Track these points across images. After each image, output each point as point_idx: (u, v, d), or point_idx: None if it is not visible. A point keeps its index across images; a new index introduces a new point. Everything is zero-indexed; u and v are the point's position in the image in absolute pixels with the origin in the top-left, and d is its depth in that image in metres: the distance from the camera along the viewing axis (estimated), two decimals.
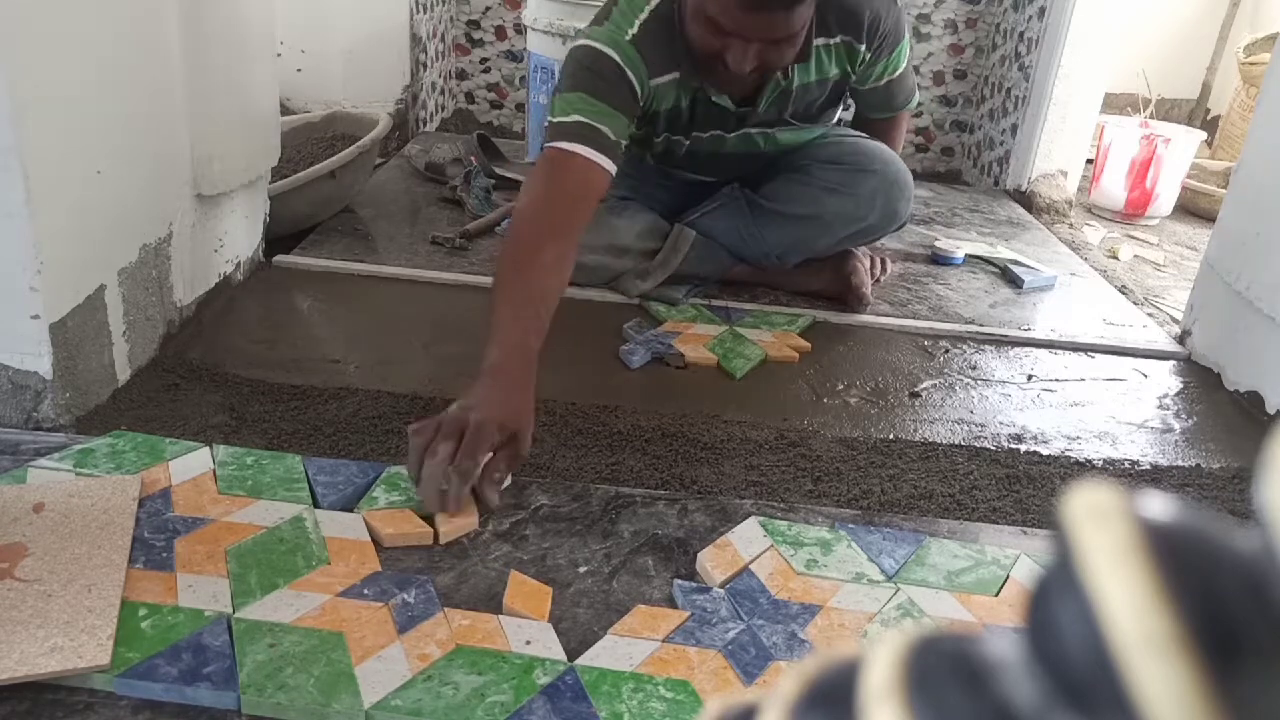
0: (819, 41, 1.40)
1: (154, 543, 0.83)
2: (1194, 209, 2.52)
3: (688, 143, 1.50)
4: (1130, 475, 1.18)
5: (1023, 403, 1.33)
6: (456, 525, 0.89)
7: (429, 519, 0.90)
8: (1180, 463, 1.21)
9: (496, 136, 2.36)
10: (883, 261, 1.72)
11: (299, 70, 2.37)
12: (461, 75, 2.82)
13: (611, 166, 1.25)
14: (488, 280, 1.55)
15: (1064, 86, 2.26)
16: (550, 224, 1.15)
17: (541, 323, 1.07)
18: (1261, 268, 1.38)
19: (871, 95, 1.57)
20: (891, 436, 1.20)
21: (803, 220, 1.52)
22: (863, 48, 1.44)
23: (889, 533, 0.95)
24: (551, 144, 1.24)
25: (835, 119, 1.66)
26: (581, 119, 1.24)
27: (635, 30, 1.32)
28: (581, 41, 1.33)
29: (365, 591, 0.80)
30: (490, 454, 0.92)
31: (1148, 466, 1.20)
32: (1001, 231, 2.12)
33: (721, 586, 0.85)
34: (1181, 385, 1.45)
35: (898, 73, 1.54)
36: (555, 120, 1.25)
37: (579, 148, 1.22)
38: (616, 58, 1.30)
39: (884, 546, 0.92)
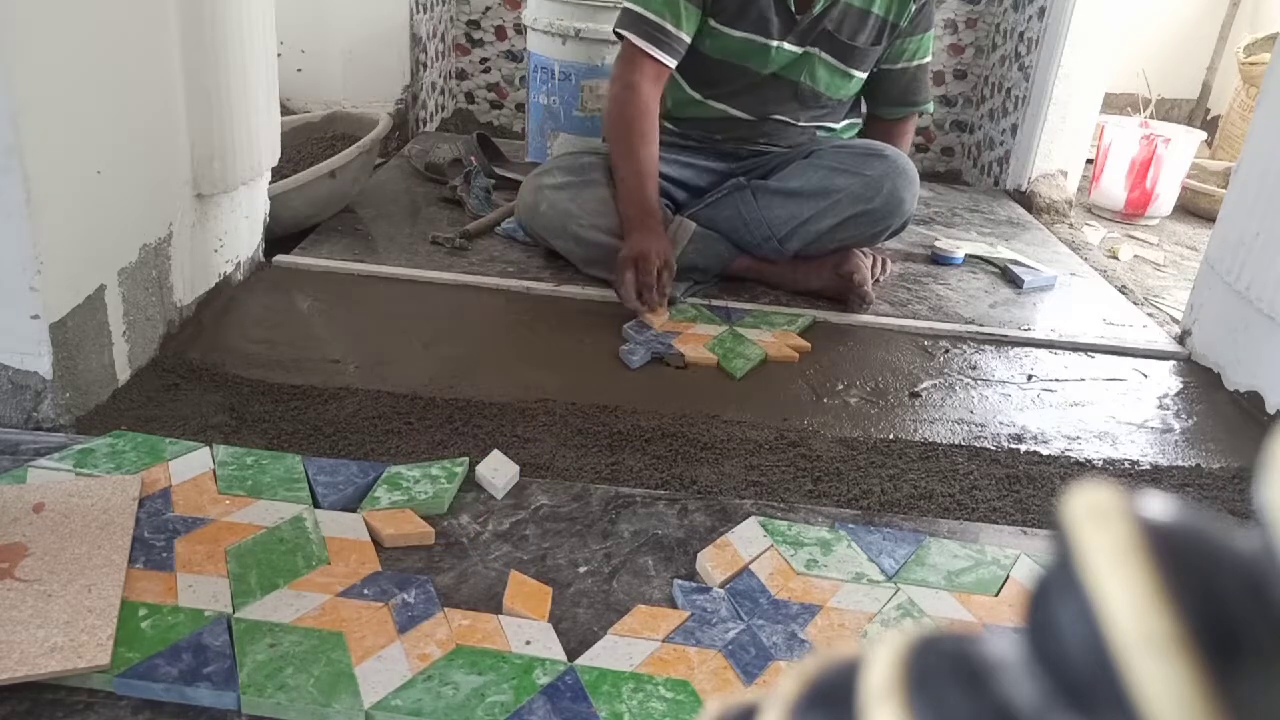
0: None
1: (154, 543, 0.83)
2: (1194, 209, 2.52)
3: (726, 48, 1.57)
4: (1130, 475, 1.18)
5: (1023, 403, 1.33)
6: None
7: (429, 519, 0.90)
8: (1180, 463, 1.21)
9: (496, 136, 2.36)
10: (883, 262, 1.73)
11: (299, 70, 2.37)
12: (461, 75, 2.82)
13: (672, 62, 1.54)
14: (488, 280, 1.55)
15: (1064, 86, 2.25)
16: (640, 108, 1.52)
17: (656, 181, 1.52)
18: (1261, 268, 1.38)
19: (895, 80, 1.64)
20: (891, 436, 1.20)
21: (808, 197, 1.54)
22: (911, 2, 1.55)
23: (889, 533, 0.95)
24: (625, 34, 1.53)
25: (848, 125, 1.70)
26: (648, 13, 1.51)
27: None
28: None
29: (365, 591, 0.80)
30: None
31: (1148, 466, 1.20)
32: (1001, 231, 2.12)
33: (721, 586, 0.85)
34: (1181, 385, 1.45)
35: (926, 59, 1.64)
36: (629, 6, 1.53)
37: (646, 45, 1.51)
38: None
39: (884, 546, 0.92)
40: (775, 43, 1.55)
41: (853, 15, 1.55)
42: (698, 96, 1.65)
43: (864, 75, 1.64)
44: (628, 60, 1.54)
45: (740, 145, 1.68)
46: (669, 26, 1.51)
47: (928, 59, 1.66)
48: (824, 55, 1.58)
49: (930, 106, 1.74)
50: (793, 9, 1.53)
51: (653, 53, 1.52)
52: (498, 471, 0.98)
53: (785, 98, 1.62)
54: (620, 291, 1.43)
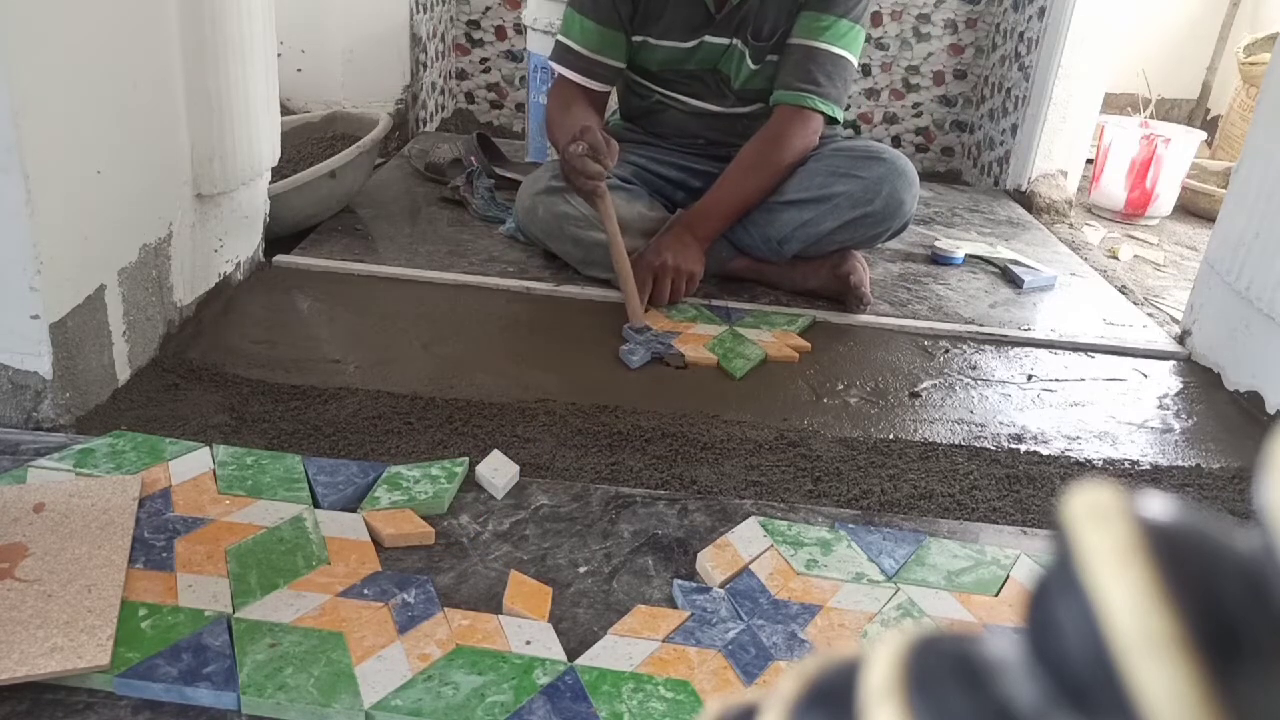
0: None
1: (154, 543, 0.83)
2: (1194, 209, 2.52)
3: (659, 46, 1.59)
4: (1130, 475, 1.18)
5: (1023, 403, 1.33)
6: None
7: (429, 519, 0.90)
8: (1180, 463, 1.21)
9: (496, 136, 2.36)
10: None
11: (299, 70, 2.37)
12: (461, 75, 2.82)
13: (605, 87, 1.61)
14: (488, 280, 1.55)
15: (1064, 86, 2.25)
16: (563, 114, 1.56)
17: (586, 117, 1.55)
18: (1261, 268, 1.38)
19: (787, 56, 1.54)
20: (891, 436, 1.20)
21: (807, 203, 1.53)
22: None
23: (889, 533, 0.95)
24: (559, 67, 1.60)
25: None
26: (582, 50, 1.56)
27: None
28: None
29: (365, 591, 0.80)
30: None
31: (1148, 466, 1.20)
32: (1001, 231, 2.12)
33: (721, 586, 0.85)
34: (1181, 385, 1.45)
35: (826, 44, 1.51)
36: (561, 40, 1.59)
37: (579, 78, 1.58)
38: None
39: (884, 546, 0.92)
40: (696, 41, 1.57)
41: (768, 6, 1.53)
42: (657, 97, 1.68)
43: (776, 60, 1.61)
44: (562, 88, 1.60)
45: (725, 146, 1.67)
46: (598, 57, 1.57)
47: (834, 49, 1.50)
48: (741, 46, 1.58)
49: (813, 101, 1.51)
50: (710, 9, 1.55)
51: (585, 83, 1.58)
52: (498, 471, 0.98)
53: (712, 90, 1.64)
54: (655, 294, 1.47)
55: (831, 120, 1.56)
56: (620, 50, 1.58)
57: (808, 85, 1.52)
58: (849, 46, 1.53)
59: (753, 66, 1.58)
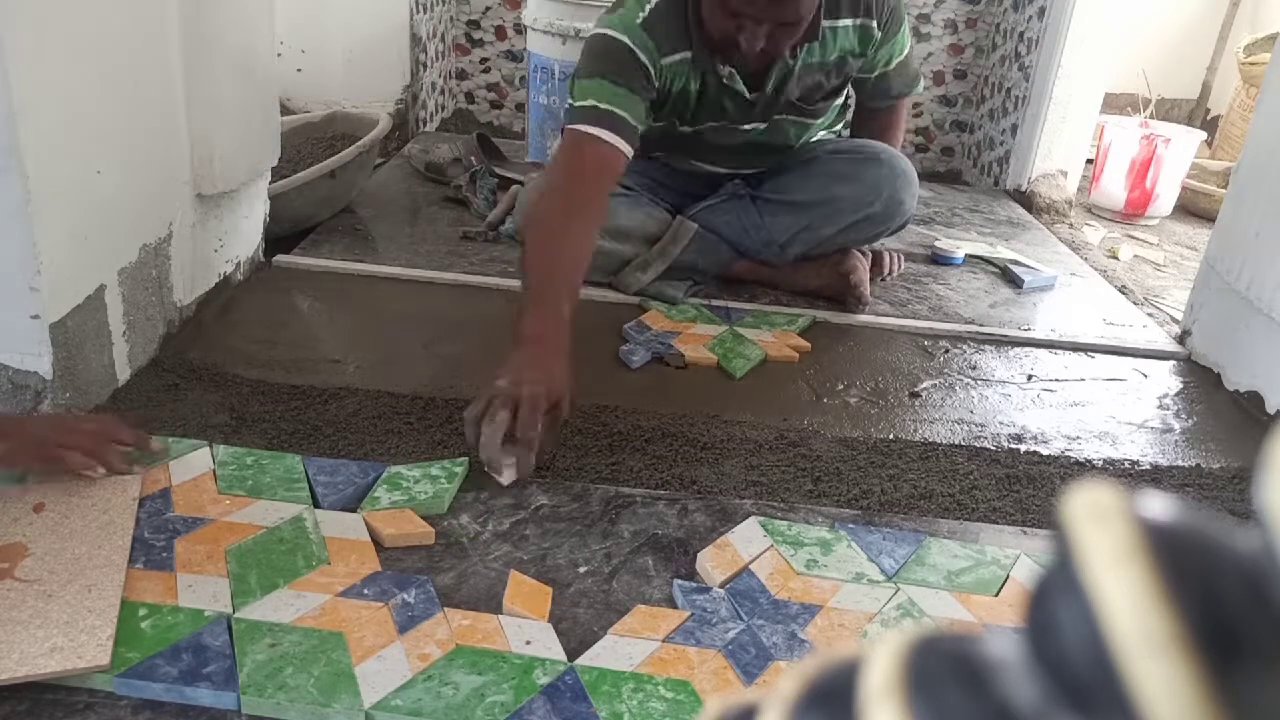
0: (827, 23, 1.43)
1: (154, 543, 0.83)
2: (1194, 209, 2.52)
3: (697, 132, 1.52)
4: (1130, 475, 1.18)
5: (1023, 403, 1.33)
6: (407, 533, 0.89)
7: (429, 519, 0.90)
8: (1180, 463, 1.21)
9: (496, 136, 2.36)
10: (895, 257, 1.73)
11: (299, 70, 2.37)
12: (461, 75, 2.82)
13: (628, 149, 1.31)
14: (488, 280, 1.55)
15: (1064, 86, 2.25)
16: (574, 200, 1.24)
17: (574, 290, 1.16)
18: (1261, 268, 1.38)
19: (880, 82, 1.61)
20: (891, 436, 1.20)
21: (809, 207, 1.53)
22: (874, 25, 1.47)
23: (889, 533, 0.95)
24: (572, 126, 1.31)
25: (837, 116, 1.67)
26: (598, 104, 1.31)
27: (646, 14, 1.36)
28: (596, 30, 1.38)
29: (365, 591, 0.80)
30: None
31: (1148, 466, 1.20)
32: (1001, 231, 2.12)
33: (721, 586, 0.85)
34: (1181, 385, 1.45)
35: (902, 56, 1.59)
36: (575, 104, 1.33)
37: (597, 130, 1.29)
38: (628, 41, 1.34)
39: (884, 546, 0.92)
40: (738, 126, 1.52)
41: (811, 72, 1.48)
42: (664, 161, 1.64)
43: (838, 102, 1.62)
44: (574, 147, 1.30)
45: (737, 164, 1.66)
46: (622, 113, 1.30)
47: (906, 54, 1.58)
48: (789, 118, 1.54)
49: (920, 86, 1.66)
50: (747, 95, 1.46)
51: (605, 136, 1.28)
52: (506, 461, 0.97)
53: (759, 151, 1.60)
54: (478, 435, 0.97)
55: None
56: (642, 115, 1.35)
57: (901, 89, 1.62)
58: (909, 45, 1.60)
59: (810, 122, 1.57)
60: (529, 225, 1.25)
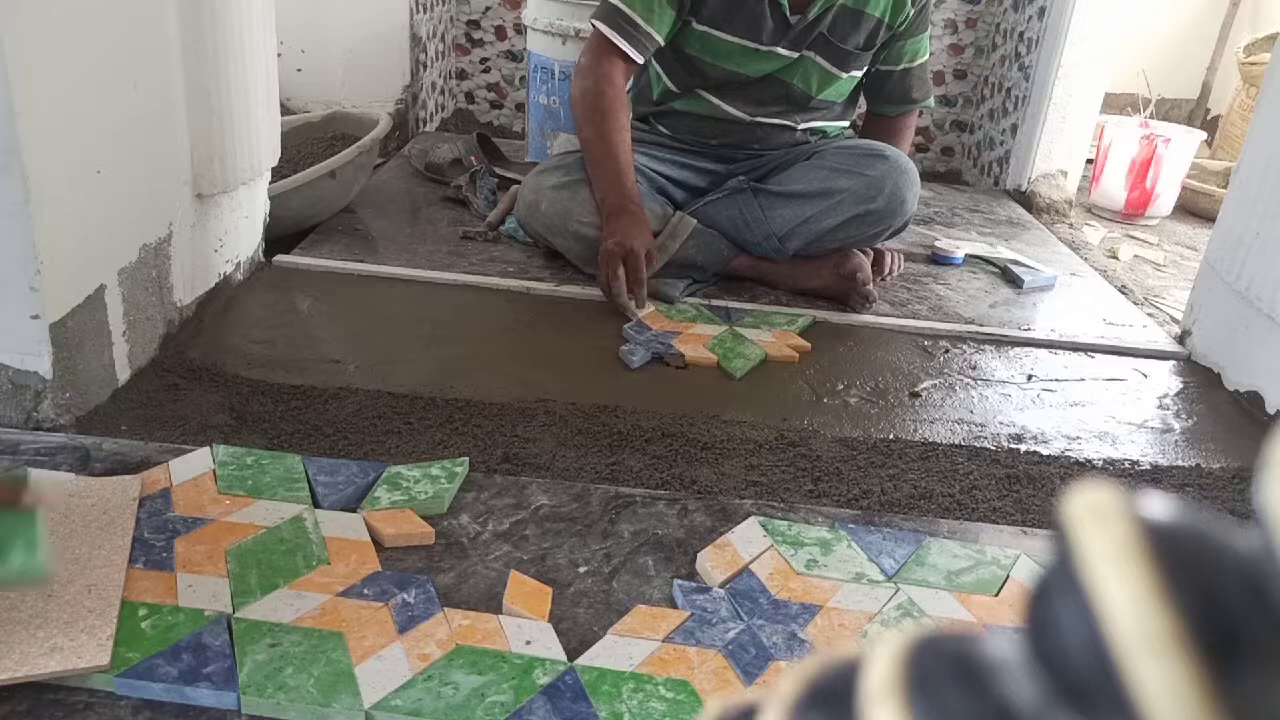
0: None
1: (154, 543, 0.83)
2: (1194, 209, 2.52)
3: (728, 47, 1.57)
4: (1130, 475, 1.18)
5: (1023, 403, 1.33)
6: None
7: (429, 519, 0.90)
8: (1180, 463, 1.21)
9: (496, 136, 2.36)
10: (895, 257, 1.73)
11: (299, 70, 2.37)
12: (461, 75, 2.82)
13: (639, 58, 1.53)
14: (488, 280, 1.55)
15: (1064, 86, 2.25)
16: (613, 99, 1.53)
17: (633, 171, 1.52)
18: (1261, 268, 1.38)
19: (897, 82, 1.65)
20: (891, 436, 1.20)
21: (810, 198, 1.53)
22: (908, 3, 1.55)
23: (889, 533, 0.95)
24: (598, 21, 1.54)
25: (845, 109, 1.69)
26: (624, 6, 1.51)
27: None
28: None
29: (365, 591, 0.80)
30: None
31: (1148, 466, 1.20)
32: (1001, 231, 2.12)
33: (721, 586, 0.85)
34: (1181, 385, 1.45)
35: (924, 58, 1.65)
36: (610, 5, 1.52)
37: (618, 38, 1.52)
38: None
39: (884, 546, 0.92)
40: (767, 47, 1.55)
41: (847, 17, 1.55)
42: (685, 90, 1.65)
43: (858, 75, 1.64)
44: (596, 52, 1.55)
45: (736, 149, 1.69)
46: (640, 22, 1.51)
47: (926, 58, 1.67)
48: (817, 59, 1.58)
49: (931, 102, 1.74)
50: (787, 13, 1.53)
51: (623, 46, 1.52)
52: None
53: (777, 99, 1.63)
54: (611, 288, 1.42)
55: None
56: (666, 27, 1.54)
57: (919, 97, 1.70)
58: (929, 50, 1.69)
59: (836, 73, 1.60)
60: (584, 120, 1.53)
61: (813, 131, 1.69)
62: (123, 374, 1.14)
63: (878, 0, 1.55)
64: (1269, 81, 1.45)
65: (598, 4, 1.55)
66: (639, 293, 1.42)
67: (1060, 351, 1.52)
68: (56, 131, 0.97)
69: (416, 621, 0.77)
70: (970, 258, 1.89)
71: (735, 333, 1.43)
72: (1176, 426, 1.31)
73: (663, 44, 1.55)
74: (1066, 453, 1.20)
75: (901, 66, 1.64)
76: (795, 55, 1.57)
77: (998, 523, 1.03)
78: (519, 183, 1.84)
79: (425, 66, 2.52)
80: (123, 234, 1.12)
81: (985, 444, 1.20)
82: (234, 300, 1.41)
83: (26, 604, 0.73)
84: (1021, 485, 1.11)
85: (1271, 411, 1.34)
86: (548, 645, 0.76)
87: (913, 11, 1.57)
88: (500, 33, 2.75)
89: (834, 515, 0.98)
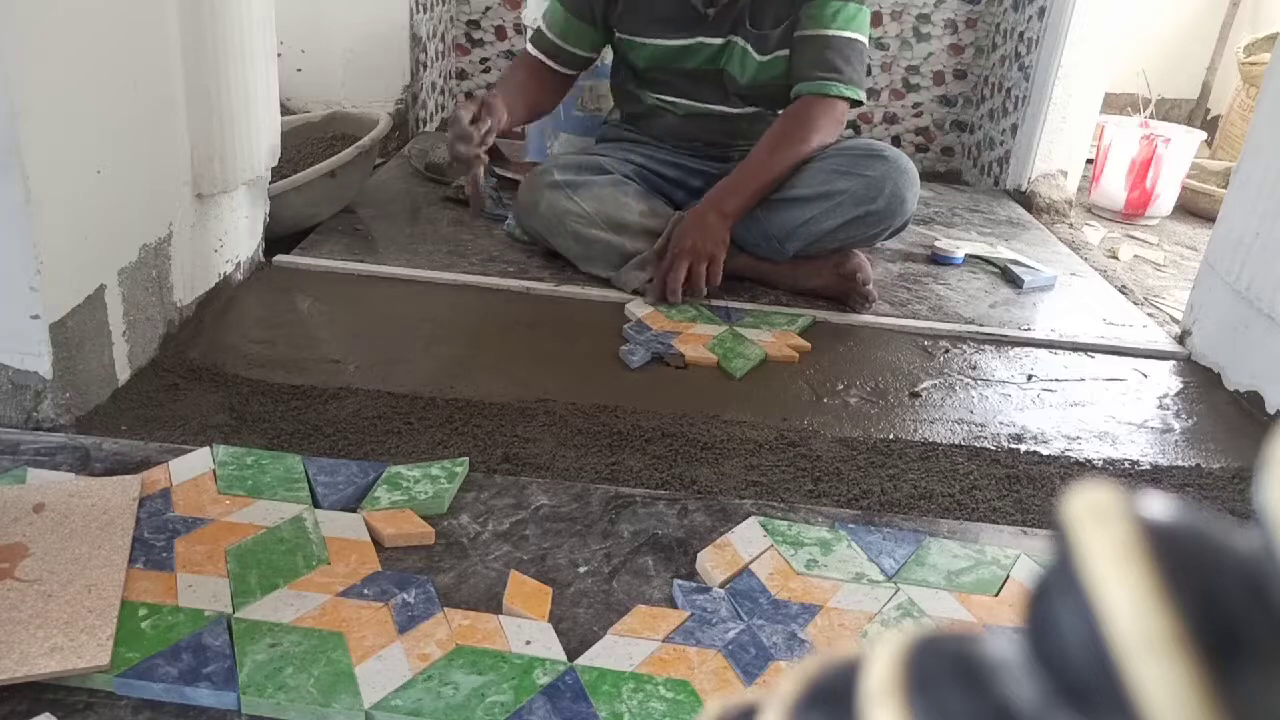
0: None
1: (154, 543, 0.83)
2: (1194, 209, 2.52)
3: (645, 44, 1.61)
4: (1130, 475, 1.18)
5: (1023, 403, 1.33)
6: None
7: (429, 519, 0.90)
8: (1180, 463, 1.21)
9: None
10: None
11: (299, 70, 2.37)
12: (461, 75, 2.82)
13: (567, 71, 1.67)
14: (488, 280, 1.55)
15: (1064, 86, 2.25)
16: (512, 70, 1.67)
17: (527, 115, 1.69)
18: (1261, 268, 1.38)
19: (801, 49, 1.54)
20: (891, 436, 1.20)
21: (809, 200, 1.53)
22: None
23: (889, 533, 0.95)
24: (528, 44, 1.67)
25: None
26: (548, 32, 1.64)
27: None
28: None
29: (365, 591, 0.80)
30: None
31: (1148, 466, 1.20)
32: (1001, 231, 2.12)
33: (721, 586, 0.85)
34: (1181, 385, 1.45)
35: (837, 31, 1.52)
36: (537, 27, 1.65)
37: (544, 57, 1.65)
38: None
39: (884, 546, 0.92)
40: (691, 39, 1.58)
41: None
42: (652, 99, 1.69)
43: (783, 56, 1.60)
44: (523, 59, 1.67)
45: (728, 147, 1.69)
46: (561, 43, 1.63)
47: (845, 30, 1.52)
48: (740, 43, 1.58)
49: (842, 88, 1.53)
50: (700, 8, 1.54)
51: (548, 62, 1.65)
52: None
53: (715, 90, 1.64)
54: (668, 278, 1.47)
55: (856, 104, 1.58)
56: (586, 42, 1.63)
57: (828, 74, 1.53)
58: (860, 29, 1.55)
59: (759, 59, 1.58)
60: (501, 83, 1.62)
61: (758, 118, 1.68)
62: (123, 374, 1.14)
63: None
64: (1269, 81, 1.45)
65: (533, 29, 1.68)
66: (692, 289, 1.48)
67: (1060, 351, 1.52)
68: (56, 131, 0.97)
69: (416, 621, 0.77)
70: (970, 258, 1.89)
71: (735, 333, 1.43)
72: (1176, 426, 1.31)
73: (591, 57, 1.66)
74: (1066, 453, 1.20)
75: (801, 33, 1.53)
76: (720, 41, 1.57)
77: (998, 523, 1.03)
78: (519, 183, 1.84)
79: (425, 66, 2.52)
80: (123, 234, 1.12)
81: (985, 444, 1.20)
82: (234, 300, 1.41)
83: (26, 604, 0.73)
84: (1021, 485, 1.11)
85: (1271, 411, 1.34)
86: (548, 645, 0.76)
87: None
88: (500, 33, 2.75)
89: (834, 515, 0.98)
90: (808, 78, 1.54)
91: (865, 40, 1.56)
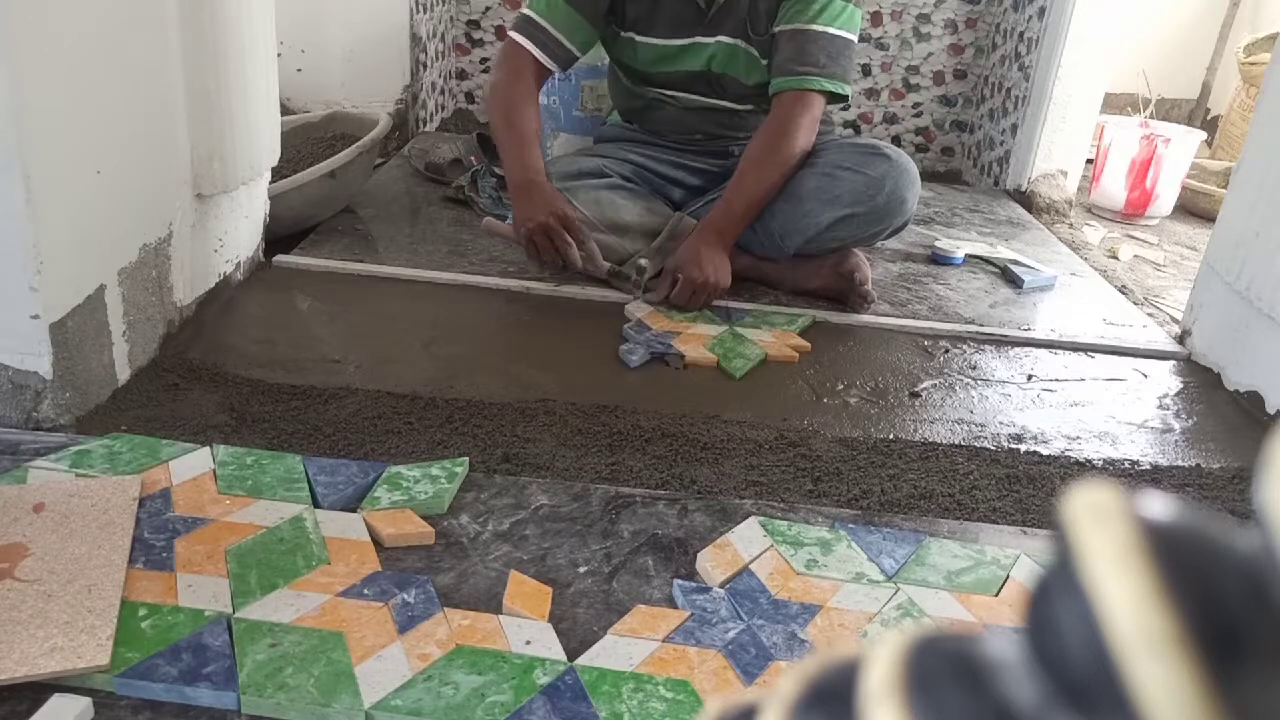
0: None
1: (154, 543, 0.83)
2: (1194, 209, 2.52)
3: (646, 44, 1.59)
4: (1130, 475, 1.18)
5: (1023, 403, 1.33)
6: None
7: (429, 519, 0.90)
8: (1180, 463, 1.21)
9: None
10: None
11: (299, 70, 2.37)
12: (461, 75, 2.82)
13: (554, 66, 1.56)
14: (488, 280, 1.55)
15: (1064, 86, 2.25)
16: (520, 95, 1.53)
17: (538, 145, 1.52)
18: (1261, 268, 1.38)
19: (781, 46, 1.51)
20: (891, 436, 1.20)
21: (810, 195, 1.52)
22: None
23: (889, 533, 0.95)
24: (512, 31, 1.56)
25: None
26: (537, 17, 1.54)
27: None
28: None
29: (365, 591, 0.80)
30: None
31: (1148, 466, 1.20)
32: (1001, 231, 2.12)
33: (721, 586, 0.85)
34: (1181, 385, 1.45)
35: (822, 26, 1.49)
36: (523, 12, 1.56)
37: (528, 44, 1.54)
38: None
39: (884, 546, 0.92)
40: (688, 40, 1.57)
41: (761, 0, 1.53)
42: (653, 94, 1.68)
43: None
44: (509, 54, 1.56)
45: (729, 142, 1.69)
46: (557, 35, 1.53)
47: (830, 29, 1.49)
48: (741, 44, 1.58)
49: (816, 82, 1.49)
50: (700, 5, 1.54)
51: (536, 54, 1.54)
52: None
53: (716, 90, 1.64)
54: (541, 260, 1.47)
55: (838, 98, 1.54)
56: (581, 38, 1.56)
57: (807, 67, 1.50)
58: (846, 26, 1.51)
59: (764, 62, 1.58)
60: (494, 110, 1.55)
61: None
62: (123, 374, 1.14)
63: None
64: (1269, 81, 1.45)
65: (519, 13, 1.59)
66: (570, 252, 1.44)
67: (1060, 351, 1.52)
68: (56, 131, 0.97)
69: (416, 621, 0.77)
70: (970, 258, 1.89)
71: (735, 333, 1.43)
72: (1176, 426, 1.31)
73: (580, 55, 1.57)
74: (1066, 453, 1.20)
75: (790, 27, 1.50)
76: (712, 41, 1.57)
77: (998, 523, 1.03)
78: None
79: (425, 66, 2.52)
80: (123, 234, 1.12)
81: (985, 444, 1.20)
82: (234, 300, 1.41)
83: (26, 604, 0.73)
84: (1021, 485, 1.11)
85: (1271, 411, 1.34)
86: (548, 645, 0.76)
87: None
88: (500, 33, 2.75)
89: (834, 515, 0.98)
90: (787, 72, 1.51)
91: (852, 38, 1.53)
